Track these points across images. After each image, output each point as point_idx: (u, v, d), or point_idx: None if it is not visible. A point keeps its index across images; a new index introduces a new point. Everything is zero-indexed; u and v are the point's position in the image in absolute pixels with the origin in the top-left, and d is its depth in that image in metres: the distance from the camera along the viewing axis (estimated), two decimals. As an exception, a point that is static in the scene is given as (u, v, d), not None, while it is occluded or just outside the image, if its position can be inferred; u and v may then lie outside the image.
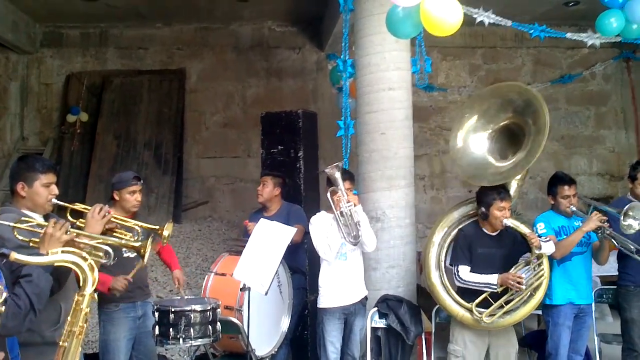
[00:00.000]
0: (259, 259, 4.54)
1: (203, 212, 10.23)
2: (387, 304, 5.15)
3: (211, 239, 9.35)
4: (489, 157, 4.74)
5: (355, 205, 4.67)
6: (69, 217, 3.29)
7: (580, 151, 10.64)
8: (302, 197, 6.29)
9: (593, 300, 5.03)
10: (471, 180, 4.85)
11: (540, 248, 4.36)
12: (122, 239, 3.31)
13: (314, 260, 5.15)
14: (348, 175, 4.88)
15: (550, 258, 4.64)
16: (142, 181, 4.55)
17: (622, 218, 4.54)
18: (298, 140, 6.41)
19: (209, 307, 4.38)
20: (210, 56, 10.39)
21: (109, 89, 10.13)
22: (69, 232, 2.82)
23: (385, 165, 5.52)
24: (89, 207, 3.34)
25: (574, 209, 4.81)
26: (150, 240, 3.28)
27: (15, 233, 2.86)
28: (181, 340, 4.26)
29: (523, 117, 4.58)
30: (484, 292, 4.38)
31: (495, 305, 4.36)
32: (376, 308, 5.18)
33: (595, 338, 5.34)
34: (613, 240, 4.73)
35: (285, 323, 5.26)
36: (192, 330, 4.27)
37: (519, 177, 4.71)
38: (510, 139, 4.70)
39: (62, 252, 2.62)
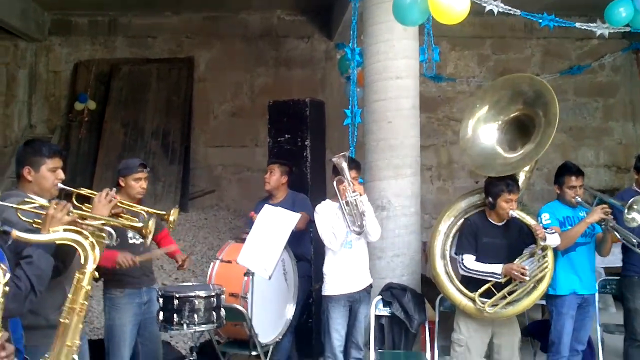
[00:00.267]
0: (263, 244, 4.56)
1: (210, 201, 10.25)
2: (391, 292, 5.17)
3: (217, 228, 9.37)
4: (498, 148, 4.74)
5: (360, 195, 4.67)
6: (75, 202, 3.29)
7: (587, 143, 10.59)
8: (309, 185, 6.30)
9: (596, 291, 5.06)
10: (479, 170, 4.84)
11: (545, 240, 4.36)
12: (127, 222, 3.31)
13: (320, 249, 5.16)
14: (354, 164, 4.89)
15: (555, 249, 4.64)
16: (148, 169, 4.55)
17: (625, 211, 4.54)
18: (305, 129, 6.40)
19: (213, 293, 4.38)
20: (219, 45, 10.38)
21: (117, 77, 10.14)
22: (71, 214, 2.81)
23: (392, 154, 5.53)
24: (95, 192, 3.33)
25: (579, 199, 4.81)
26: (152, 221, 3.27)
27: (19, 214, 2.86)
28: (185, 326, 4.26)
29: (533, 108, 4.57)
30: (487, 281, 4.38)
31: (498, 295, 4.36)
32: (380, 296, 5.20)
33: (598, 328, 5.35)
34: (616, 232, 4.73)
35: (290, 311, 5.28)
36: (196, 316, 4.27)
37: (527, 168, 4.71)
38: (520, 130, 4.69)
39: (64, 230, 2.62)
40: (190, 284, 4.71)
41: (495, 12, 4.77)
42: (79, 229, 2.71)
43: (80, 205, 3.24)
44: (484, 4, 4.71)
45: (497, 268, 4.35)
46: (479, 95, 5.07)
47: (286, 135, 6.45)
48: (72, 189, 3.31)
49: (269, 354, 5.10)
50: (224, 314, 4.49)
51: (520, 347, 4.70)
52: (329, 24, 10.11)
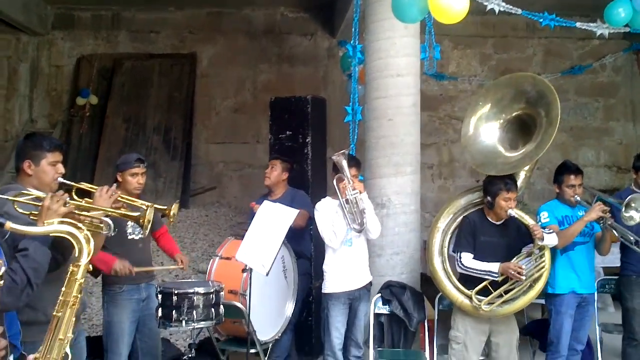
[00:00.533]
0: (261, 240, 4.56)
1: (211, 198, 10.27)
2: (390, 290, 5.17)
3: (218, 225, 9.38)
4: (499, 147, 4.74)
5: (360, 193, 4.67)
6: (75, 197, 3.29)
7: (588, 143, 10.61)
8: (309, 182, 6.29)
9: (595, 290, 5.06)
10: (480, 168, 4.84)
11: (542, 239, 4.37)
12: (123, 211, 3.29)
13: (320, 246, 5.16)
14: (354, 162, 4.89)
15: (554, 248, 4.65)
16: (145, 164, 4.52)
17: (623, 209, 4.55)
18: (306, 126, 6.39)
19: (212, 290, 4.39)
20: (222, 41, 10.39)
21: (119, 72, 10.15)
22: (67, 205, 2.79)
23: (392, 151, 5.53)
24: (95, 187, 3.32)
25: (578, 198, 4.82)
26: (151, 210, 3.25)
27: (15, 206, 2.84)
28: (184, 322, 4.27)
29: (535, 108, 4.57)
30: (484, 280, 4.39)
31: (495, 293, 4.36)
32: (379, 294, 5.20)
33: (597, 327, 5.35)
34: (614, 230, 4.74)
35: (289, 308, 5.28)
36: (194, 312, 4.28)
37: (527, 168, 4.72)
38: (522, 129, 4.69)
39: (58, 222, 2.61)
40: (189, 280, 4.70)
41: (497, 11, 4.78)
42: (75, 221, 2.69)
43: (80, 200, 3.23)
44: (485, 3, 4.71)
45: (494, 267, 4.35)
46: (481, 93, 5.06)
47: (287, 132, 6.44)
48: (73, 183, 3.29)
49: (269, 351, 5.12)
50: (223, 311, 4.50)
51: (519, 346, 4.70)
52: (332, 21, 10.11)
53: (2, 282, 2.32)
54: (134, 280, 4.40)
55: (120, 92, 10.06)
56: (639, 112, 10.64)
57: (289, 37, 10.43)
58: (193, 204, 9.96)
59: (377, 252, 5.44)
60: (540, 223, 4.66)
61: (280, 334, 5.20)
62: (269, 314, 5.12)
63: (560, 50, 10.54)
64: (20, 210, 2.84)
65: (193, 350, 4.55)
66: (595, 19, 5.17)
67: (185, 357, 4.60)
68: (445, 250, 4.72)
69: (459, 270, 4.53)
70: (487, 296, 4.38)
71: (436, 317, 5.10)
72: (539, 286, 4.40)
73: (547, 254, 4.44)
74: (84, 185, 3.33)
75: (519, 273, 4.28)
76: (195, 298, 4.29)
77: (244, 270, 4.59)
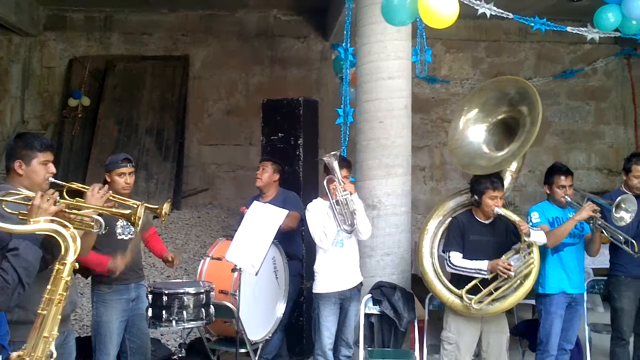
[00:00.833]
0: (251, 240, 4.57)
1: (203, 199, 10.27)
2: (381, 291, 5.19)
3: (210, 226, 9.39)
4: (485, 148, 4.82)
5: (351, 194, 4.69)
6: (66, 197, 3.28)
7: (579, 146, 10.68)
8: (301, 184, 6.30)
9: (585, 290, 5.09)
10: (466, 169, 4.90)
11: (529, 235, 4.40)
12: (114, 210, 3.29)
13: (311, 247, 5.18)
14: (346, 163, 4.91)
15: (544, 248, 4.70)
16: (132, 163, 4.49)
17: (613, 210, 4.59)
18: (298, 128, 6.40)
19: (202, 290, 4.41)
20: (215, 43, 10.40)
21: (112, 73, 10.15)
22: (58, 204, 2.79)
23: (383, 153, 5.56)
24: (86, 187, 3.31)
25: (569, 199, 4.85)
26: (142, 208, 3.24)
27: (3, 206, 2.82)
28: (174, 322, 4.28)
29: (518, 108, 4.65)
30: (474, 278, 4.41)
31: (485, 291, 4.38)
32: (370, 295, 5.21)
33: (586, 327, 5.37)
34: (603, 230, 4.78)
35: (280, 309, 5.28)
36: (185, 313, 4.30)
37: (513, 168, 4.77)
38: (507, 132, 4.77)
39: (44, 221, 2.60)
40: (179, 280, 4.70)
41: (488, 15, 4.82)
42: (65, 220, 2.68)
43: (72, 200, 3.22)
44: (476, 7, 4.75)
45: (483, 264, 4.38)
46: (467, 97, 5.16)
47: (279, 134, 6.45)
48: (64, 183, 3.27)
49: (259, 351, 5.13)
50: (214, 311, 4.51)
51: (509, 347, 4.73)
52: (325, 24, 10.14)
53: None
54: (124, 281, 4.39)
55: (112, 93, 10.04)
56: (630, 116, 10.71)
57: (282, 39, 10.45)
58: (185, 206, 9.97)
59: (368, 253, 5.46)
60: (531, 223, 4.70)
61: (270, 335, 5.20)
62: (260, 315, 5.13)
63: (552, 54, 10.60)
64: (9, 210, 2.82)
65: (183, 350, 4.56)
66: (587, 23, 5.23)
67: (175, 357, 4.61)
68: (435, 251, 4.76)
69: (448, 269, 4.56)
70: (477, 295, 4.40)
71: (426, 317, 5.12)
72: (528, 283, 4.42)
73: (536, 251, 4.46)
74: (75, 185, 3.31)
75: (507, 269, 4.31)
76: (185, 298, 4.31)
77: (233, 270, 4.60)
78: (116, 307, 4.36)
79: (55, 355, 2.49)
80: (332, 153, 4.72)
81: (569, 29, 5.25)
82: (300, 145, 6.34)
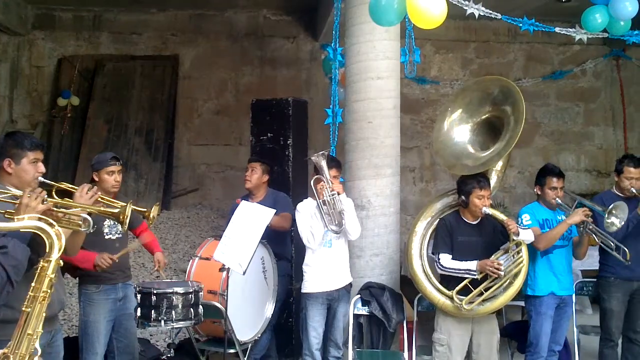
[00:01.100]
0: (238, 240, 4.57)
1: (192, 199, 10.25)
2: (369, 292, 5.19)
3: (200, 226, 9.37)
4: (470, 148, 4.84)
5: (339, 194, 4.69)
6: (55, 196, 3.27)
7: (569, 147, 10.73)
8: (291, 185, 6.29)
9: (574, 292, 5.12)
10: (451, 170, 4.92)
11: (517, 234, 4.41)
12: (102, 208, 3.28)
13: (300, 248, 5.16)
14: (335, 163, 4.91)
15: (534, 250, 4.71)
16: (120, 162, 4.52)
17: (605, 216, 4.60)
18: (288, 128, 6.40)
19: (191, 290, 4.41)
20: (205, 43, 10.38)
21: (101, 73, 10.11)
22: (46, 202, 2.79)
23: (372, 153, 5.55)
24: (75, 187, 3.31)
25: (559, 201, 4.87)
26: (129, 207, 3.24)
27: None
28: (162, 322, 4.29)
29: (502, 107, 4.67)
30: (464, 279, 4.42)
31: (475, 292, 4.38)
32: (359, 295, 5.21)
33: (575, 329, 5.39)
34: (594, 235, 4.79)
35: (269, 309, 5.28)
36: (173, 312, 4.31)
37: (499, 167, 4.80)
38: (491, 132, 4.80)
39: (28, 218, 2.59)
40: (168, 280, 4.69)
41: (477, 16, 4.83)
42: (53, 219, 2.67)
43: (60, 199, 3.21)
44: (465, 7, 4.77)
45: (472, 265, 4.39)
46: (451, 98, 5.19)
47: (269, 134, 6.44)
48: (53, 183, 3.27)
49: (248, 351, 5.12)
50: (202, 310, 4.51)
51: (498, 348, 4.74)
52: (315, 24, 10.15)
53: None
54: (111, 280, 4.39)
55: (101, 93, 10.01)
56: (619, 117, 10.76)
57: (271, 40, 10.44)
58: (175, 206, 9.95)
59: (357, 254, 5.46)
60: (522, 225, 4.70)
61: (259, 335, 5.20)
62: (249, 315, 5.12)
63: (542, 55, 10.65)
64: None
65: (172, 350, 4.55)
66: (575, 24, 5.25)
67: (164, 357, 4.60)
68: (425, 253, 4.76)
69: (439, 271, 4.56)
70: (468, 296, 4.40)
71: (415, 318, 5.13)
72: (518, 282, 4.42)
73: (525, 250, 4.47)
74: (65, 185, 3.32)
75: (497, 269, 4.32)
76: (174, 298, 4.32)
77: (221, 270, 4.59)
78: (103, 306, 4.36)
79: (40, 352, 2.48)
80: (321, 152, 4.72)
81: (557, 29, 5.29)
82: (289, 145, 6.33)
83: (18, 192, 2.92)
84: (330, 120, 5.88)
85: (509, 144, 4.49)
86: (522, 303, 5.24)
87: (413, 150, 10.27)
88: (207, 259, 5.01)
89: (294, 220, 5.12)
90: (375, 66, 5.58)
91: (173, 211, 9.72)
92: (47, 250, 2.51)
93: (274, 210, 4.81)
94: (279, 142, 6.38)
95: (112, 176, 4.42)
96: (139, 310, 4.37)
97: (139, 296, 4.37)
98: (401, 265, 6.25)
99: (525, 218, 4.84)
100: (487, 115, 4.80)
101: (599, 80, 10.78)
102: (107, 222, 4.36)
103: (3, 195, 2.90)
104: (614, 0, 4.96)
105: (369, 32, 5.53)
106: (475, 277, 4.39)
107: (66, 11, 10.22)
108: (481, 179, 4.52)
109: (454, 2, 4.64)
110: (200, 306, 4.51)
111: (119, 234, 4.45)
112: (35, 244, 2.73)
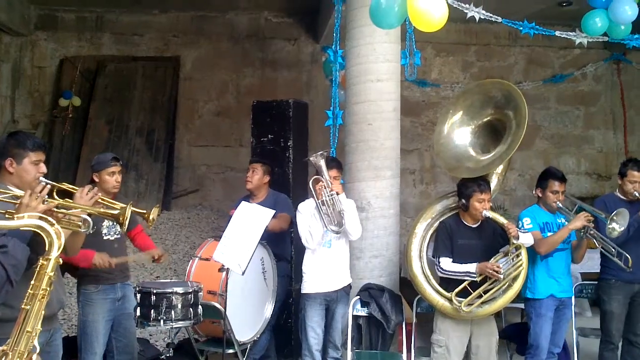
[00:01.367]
0: (238, 240, 4.58)
1: (193, 200, 10.26)
2: (369, 293, 5.20)
3: (200, 227, 9.39)
4: (471, 151, 4.84)
5: (338, 194, 4.70)
6: (55, 197, 3.28)
7: (569, 150, 10.74)
8: (291, 186, 6.31)
9: (573, 294, 5.13)
10: (452, 172, 4.93)
11: (517, 238, 4.42)
12: (102, 210, 3.30)
13: (300, 249, 5.18)
14: (335, 164, 4.92)
15: (534, 253, 4.72)
16: (120, 162, 4.54)
17: (607, 222, 4.63)
18: (288, 130, 6.42)
19: (190, 290, 4.42)
20: (206, 45, 10.40)
21: (103, 74, 10.13)
22: (46, 202, 2.80)
23: (372, 155, 5.57)
24: (76, 188, 3.33)
25: (560, 205, 4.88)
26: (129, 208, 3.26)
27: None
28: (162, 322, 4.30)
29: (504, 111, 4.67)
30: (464, 281, 4.42)
31: (474, 294, 4.39)
32: (358, 297, 5.22)
33: (574, 331, 5.39)
34: (594, 240, 4.81)
35: (268, 310, 5.29)
36: (173, 312, 4.32)
37: (499, 170, 4.81)
38: (493, 134, 4.80)
39: (28, 217, 2.60)
40: (168, 280, 4.70)
41: (477, 19, 4.85)
42: (53, 219, 2.69)
43: (61, 200, 3.22)
44: (465, 11, 4.78)
45: (472, 267, 4.40)
46: (452, 101, 5.20)
47: (269, 136, 6.46)
48: (54, 183, 3.28)
49: (247, 352, 5.13)
50: (202, 311, 4.53)
51: (497, 350, 4.75)
52: (316, 26, 10.17)
53: None
54: (110, 280, 4.40)
55: (103, 94, 10.03)
56: (619, 121, 10.77)
57: (272, 41, 10.46)
58: (175, 206, 9.96)
59: (357, 255, 5.47)
60: (523, 229, 4.71)
61: (258, 335, 5.21)
62: (248, 315, 5.14)
63: (542, 58, 10.66)
64: None
65: (171, 350, 4.56)
66: (575, 28, 5.27)
67: (163, 357, 4.61)
68: (424, 255, 4.77)
69: (439, 274, 4.57)
70: (467, 298, 4.41)
71: (414, 320, 5.14)
72: (517, 285, 4.43)
73: (524, 253, 4.47)
74: (65, 186, 3.32)
75: (496, 271, 4.32)
76: (173, 298, 4.33)
77: (220, 270, 4.61)
78: (102, 306, 4.37)
79: (38, 349, 2.49)
80: (320, 152, 4.73)
81: (557, 33, 5.31)
82: (290, 147, 6.35)
83: (19, 192, 2.93)
84: (330, 122, 5.91)
85: (511, 148, 4.48)
86: (521, 305, 5.26)
87: (413, 153, 10.29)
88: (206, 259, 5.02)
89: (293, 222, 5.15)
90: (376, 69, 5.59)
91: (173, 212, 9.73)
92: (46, 249, 2.53)
93: (273, 211, 4.82)
94: (279, 144, 6.40)
95: (113, 177, 4.44)
96: (138, 309, 4.38)
97: (138, 296, 4.39)
98: (400, 267, 6.26)
99: (527, 222, 4.84)
100: (488, 118, 4.80)
101: (600, 84, 10.80)
102: (105, 223, 4.37)
103: (4, 195, 2.90)
104: (613, 4, 4.99)
105: (369, 34, 5.54)
106: (475, 279, 4.40)
107: (69, 12, 10.24)
108: (482, 182, 4.51)
109: (455, 6, 4.66)
110: (200, 306, 4.52)
111: (117, 234, 4.46)
112: (35, 244, 2.74)
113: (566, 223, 4.86)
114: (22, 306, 2.50)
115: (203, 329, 5.11)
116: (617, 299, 5.05)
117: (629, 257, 4.74)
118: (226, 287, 4.60)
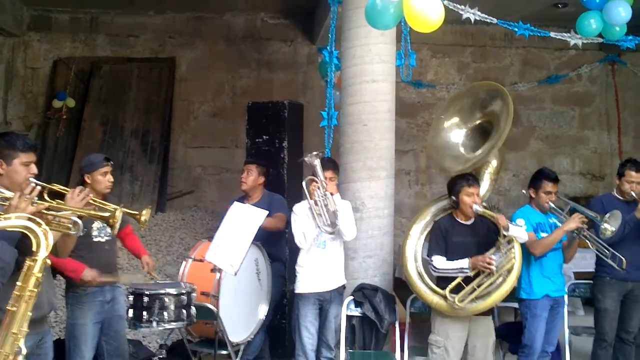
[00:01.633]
0: (230, 241, 4.58)
1: (188, 202, 10.23)
2: (362, 293, 5.20)
3: (195, 229, 9.36)
4: (461, 149, 4.93)
5: (332, 194, 4.69)
6: (46, 198, 3.26)
7: (563, 151, 10.74)
8: (286, 187, 6.32)
9: (565, 293, 5.15)
10: (443, 171, 4.98)
11: (508, 229, 4.41)
12: (93, 212, 3.29)
13: (294, 250, 5.17)
14: (332, 165, 4.93)
15: (527, 254, 4.71)
16: (111, 162, 4.51)
17: (602, 224, 4.64)
18: (283, 131, 6.43)
19: (183, 291, 4.41)
20: (202, 46, 10.36)
21: (97, 75, 10.08)
22: (35, 204, 2.78)
23: (367, 156, 5.56)
24: (67, 189, 3.31)
25: (553, 205, 4.88)
26: (119, 211, 3.25)
27: None
28: (155, 323, 4.30)
29: (491, 109, 4.76)
30: (458, 277, 4.42)
31: (467, 288, 4.38)
32: (352, 297, 5.22)
33: (566, 330, 5.39)
34: (588, 241, 4.82)
35: (262, 311, 5.29)
36: (165, 314, 4.32)
37: (491, 171, 4.86)
38: (483, 136, 4.87)
39: (15, 217, 2.57)
40: (161, 281, 4.69)
41: (473, 20, 4.85)
42: (40, 219, 2.67)
43: (52, 201, 3.20)
44: (461, 12, 4.78)
45: (464, 263, 4.39)
46: (443, 106, 5.29)
47: (264, 137, 6.47)
48: (44, 184, 3.26)
49: (240, 353, 5.12)
50: (195, 312, 4.51)
51: (494, 350, 4.75)
52: (312, 28, 10.15)
53: None
54: (99, 283, 4.34)
55: (97, 95, 9.98)
56: (614, 122, 10.78)
57: (268, 42, 10.44)
58: (170, 208, 9.92)
59: (351, 255, 5.46)
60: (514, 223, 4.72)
61: (252, 336, 5.21)
62: (242, 316, 5.13)
63: (538, 60, 10.66)
64: None
65: (164, 351, 4.55)
66: (570, 29, 5.28)
67: (156, 359, 4.60)
68: (419, 255, 4.79)
69: (433, 274, 4.57)
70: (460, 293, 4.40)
71: (408, 320, 5.13)
72: (512, 278, 4.41)
73: (517, 246, 4.47)
74: (56, 187, 3.31)
75: (488, 264, 4.31)
76: (166, 299, 4.33)
77: (213, 270, 4.60)
78: (91, 309, 4.32)
79: (24, 351, 2.48)
80: (314, 153, 4.72)
81: (552, 34, 5.31)
82: (285, 148, 6.36)
83: (9, 194, 2.91)
84: (325, 123, 5.91)
85: (498, 141, 4.57)
86: (515, 305, 5.26)
87: (409, 154, 10.28)
88: (200, 260, 5.01)
89: (288, 222, 5.14)
90: (371, 69, 5.59)
91: (168, 213, 9.69)
92: (33, 249, 2.51)
93: (267, 212, 4.81)
94: (274, 145, 6.41)
95: (105, 177, 4.39)
96: (131, 311, 4.36)
97: (131, 297, 4.37)
98: (395, 267, 6.25)
99: (521, 223, 4.82)
100: (479, 121, 4.87)
101: (594, 85, 10.80)
102: (95, 225, 4.33)
103: None
104: (607, 5, 5.01)
105: (364, 35, 5.54)
106: (468, 274, 4.39)
107: (62, 13, 10.18)
108: (469, 177, 4.57)
109: (450, 7, 4.66)
110: (193, 307, 4.51)
111: (108, 236, 4.41)
112: (23, 246, 2.72)
113: (558, 223, 4.88)
114: (8, 307, 2.48)
115: (196, 330, 5.10)
116: (611, 295, 5.08)
117: (623, 259, 4.76)
118: (219, 288, 4.58)
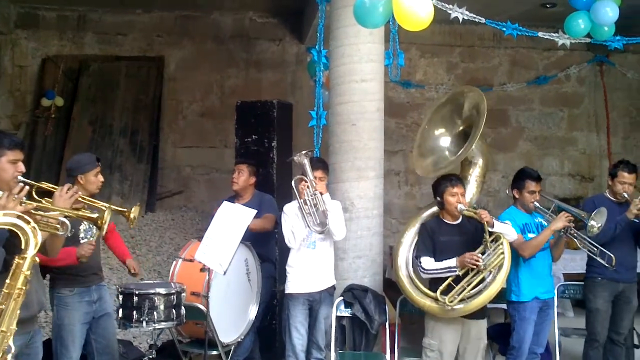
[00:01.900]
0: (219, 240, 4.57)
1: (177, 202, 10.19)
2: (352, 294, 5.21)
3: (184, 229, 9.33)
4: (445, 152, 5.04)
5: (322, 194, 4.68)
6: (35, 196, 3.25)
7: (552, 152, 10.77)
8: (275, 187, 6.32)
9: (554, 294, 5.15)
10: (428, 175, 5.06)
11: (492, 226, 4.42)
12: (81, 212, 3.28)
13: (284, 250, 5.17)
14: (321, 164, 4.92)
15: (516, 256, 4.71)
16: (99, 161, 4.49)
17: (588, 221, 4.67)
18: (272, 130, 6.43)
19: (173, 291, 4.40)
20: (190, 45, 10.32)
21: (85, 73, 10.02)
22: (23, 204, 2.77)
23: (355, 156, 5.56)
24: (56, 187, 3.30)
25: (537, 204, 4.89)
26: (108, 212, 3.24)
27: None
28: (144, 323, 4.28)
29: (469, 111, 4.89)
30: (447, 278, 4.42)
31: (457, 288, 4.38)
32: (342, 297, 5.22)
33: (556, 332, 5.42)
34: (575, 240, 4.84)
35: (252, 311, 5.28)
36: (155, 313, 4.30)
37: (477, 173, 5.00)
38: (465, 140, 4.93)
39: (3, 215, 2.57)
40: (150, 281, 4.68)
41: (461, 20, 4.86)
42: (28, 218, 2.66)
43: (40, 200, 3.19)
44: (449, 11, 4.79)
45: (452, 262, 4.40)
46: (426, 116, 5.43)
47: (253, 136, 6.47)
48: (33, 182, 3.24)
49: (231, 353, 5.11)
50: (184, 312, 4.50)
51: (484, 354, 4.76)
52: (301, 27, 10.14)
53: None
54: (85, 283, 4.33)
55: (86, 94, 9.92)
56: (602, 123, 10.82)
57: (257, 42, 10.41)
58: (159, 208, 9.88)
59: (340, 256, 5.46)
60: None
61: (242, 337, 5.19)
62: (232, 317, 5.12)
63: (526, 60, 10.70)
64: None
65: (154, 352, 4.53)
66: (558, 29, 5.31)
67: (146, 359, 4.58)
68: (410, 261, 4.81)
69: (423, 276, 4.57)
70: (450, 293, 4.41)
71: (398, 320, 5.14)
72: (501, 275, 4.40)
73: (506, 243, 4.48)
74: (45, 185, 3.30)
75: (476, 260, 4.32)
76: (156, 299, 4.31)
77: (202, 270, 4.59)
78: (78, 309, 4.29)
79: (13, 349, 2.46)
80: (304, 152, 4.72)
81: (540, 34, 5.34)
82: (274, 147, 6.37)
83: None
84: (314, 123, 5.90)
85: (474, 136, 4.67)
86: (504, 306, 5.26)
87: (398, 154, 10.27)
88: (190, 260, 5.00)
89: (277, 223, 5.13)
90: (360, 69, 5.59)
91: (158, 213, 9.65)
92: (22, 247, 2.50)
93: (255, 211, 4.79)
94: (263, 145, 6.41)
95: (98, 177, 4.38)
96: (120, 311, 4.35)
97: (120, 297, 4.35)
98: (385, 268, 6.26)
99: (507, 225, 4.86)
100: (462, 128, 5.00)
101: (583, 86, 10.85)
102: (82, 226, 4.30)
103: None
104: (595, 6, 5.04)
105: (353, 35, 5.54)
106: (457, 273, 4.40)
107: (50, 10, 10.10)
108: (453, 177, 4.62)
109: (439, 6, 4.66)
110: (183, 307, 4.50)
111: (93, 236, 4.39)
112: (11, 246, 2.71)
113: (544, 222, 4.89)
114: None
115: (187, 330, 5.09)
116: (603, 296, 5.09)
117: (612, 255, 4.79)
118: (209, 288, 4.57)
